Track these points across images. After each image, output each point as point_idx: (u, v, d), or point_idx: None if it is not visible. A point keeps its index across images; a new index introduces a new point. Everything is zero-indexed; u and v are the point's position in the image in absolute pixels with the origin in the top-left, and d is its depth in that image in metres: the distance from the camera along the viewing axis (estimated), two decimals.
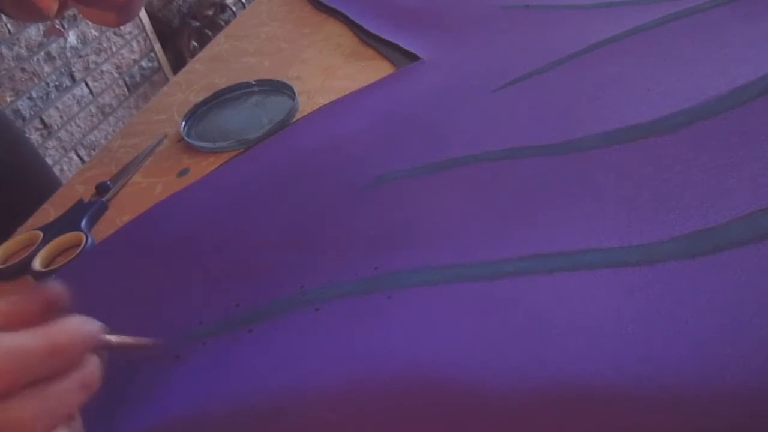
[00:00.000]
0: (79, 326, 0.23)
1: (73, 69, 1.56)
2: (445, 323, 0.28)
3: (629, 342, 0.25)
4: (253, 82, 0.55)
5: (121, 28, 1.69)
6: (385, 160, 0.40)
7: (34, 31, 1.44)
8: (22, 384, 0.21)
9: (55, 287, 0.23)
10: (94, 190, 0.46)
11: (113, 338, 0.25)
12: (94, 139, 1.63)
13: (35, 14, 0.39)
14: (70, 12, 1.41)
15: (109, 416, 0.28)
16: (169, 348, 0.31)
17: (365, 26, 0.60)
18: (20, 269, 0.40)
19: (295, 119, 0.49)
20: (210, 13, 1.91)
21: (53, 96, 1.50)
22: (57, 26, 0.43)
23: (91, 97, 1.62)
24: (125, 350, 0.27)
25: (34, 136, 1.45)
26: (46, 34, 0.43)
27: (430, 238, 0.33)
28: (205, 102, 0.54)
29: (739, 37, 0.42)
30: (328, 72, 0.56)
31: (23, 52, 1.41)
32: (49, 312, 0.22)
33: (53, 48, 1.50)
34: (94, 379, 0.23)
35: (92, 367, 0.23)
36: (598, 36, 0.47)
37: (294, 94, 0.51)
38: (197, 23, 1.90)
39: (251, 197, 0.40)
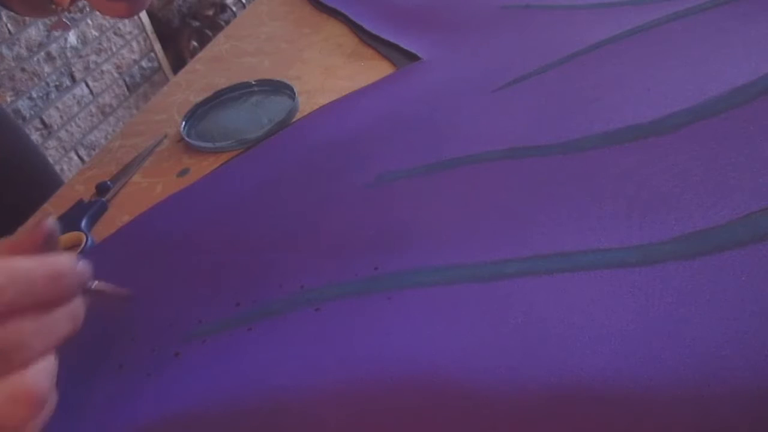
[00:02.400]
0: (75, 260, 0.23)
1: (73, 69, 1.56)
2: (445, 324, 0.28)
3: (629, 342, 0.25)
4: (253, 82, 0.55)
5: (121, 28, 1.69)
6: (385, 160, 0.40)
7: (34, 31, 1.44)
8: (22, 305, 0.21)
9: (51, 223, 0.24)
10: (94, 190, 0.46)
11: (95, 283, 0.26)
12: (94, 139, 1.63)
13: (44, 10, 0.39)
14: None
15: (108, 414, 0.28)
16: (169, 345, 0.31)
17: (365, 26, 0.60)
18: None
19: (295, 119, 0.49)
20: (210, 13, 1.91)
21: (53, 96, 1.50)
22: (64, 20, 0.43)
23: (91, 97, 1.62)
24: (101, 297, 0.27)
25: (34, 136, 1.45)
26: (53, 27, 0.43)
27: (430, 239, 0.33)
28: (205, 102, 0.54)
29: (739, 37, 0.42)
30: (328, 72, 0.56)
31: (23, 52, 1.41)
32: (48, 245, 0.23)
33: (53, 48, 1.50)
34: (80, 314, 0.24)
35: (80, 302, 0.24)
36: (598, 36, 0.47)
37: (294, 94, 0.51)
38: (197, 23, 1.90)
39: (251, 197, 0.40)
